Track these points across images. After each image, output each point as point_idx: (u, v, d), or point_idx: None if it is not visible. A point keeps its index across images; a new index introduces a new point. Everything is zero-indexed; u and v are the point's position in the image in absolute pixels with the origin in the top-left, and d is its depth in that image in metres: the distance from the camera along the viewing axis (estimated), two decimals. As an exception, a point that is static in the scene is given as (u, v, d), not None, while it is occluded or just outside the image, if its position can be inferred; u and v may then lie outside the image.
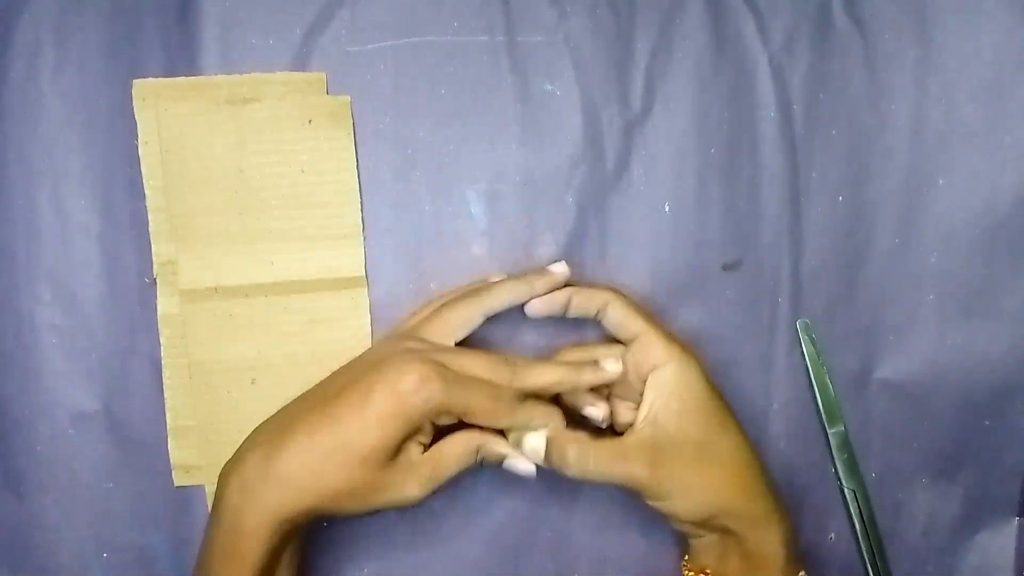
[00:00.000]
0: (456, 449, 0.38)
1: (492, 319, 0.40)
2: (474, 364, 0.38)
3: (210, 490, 0.43)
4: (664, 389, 0.39)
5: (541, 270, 0.41)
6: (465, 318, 0.39)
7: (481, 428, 0.38)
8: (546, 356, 0.43)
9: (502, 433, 0.39)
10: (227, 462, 0.37)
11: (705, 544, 0.40)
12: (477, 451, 0.38)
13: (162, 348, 0.42)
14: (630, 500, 0.44)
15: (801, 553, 0.40)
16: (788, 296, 0.44)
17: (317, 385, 0.39)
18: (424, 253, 0.43)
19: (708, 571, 0.40)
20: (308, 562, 0.42)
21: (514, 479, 0.44)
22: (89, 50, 0.41)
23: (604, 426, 0.41)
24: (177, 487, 0.43)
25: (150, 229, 0.42)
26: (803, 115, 0.44)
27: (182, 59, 0.42)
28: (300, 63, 0.42)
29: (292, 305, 0.42)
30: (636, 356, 0.40)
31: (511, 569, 0.45)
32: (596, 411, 0.40)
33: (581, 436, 0.38)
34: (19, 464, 0.43)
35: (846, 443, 0.45)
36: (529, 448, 0.38)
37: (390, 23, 0.42)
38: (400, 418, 0.36)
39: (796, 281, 0.44)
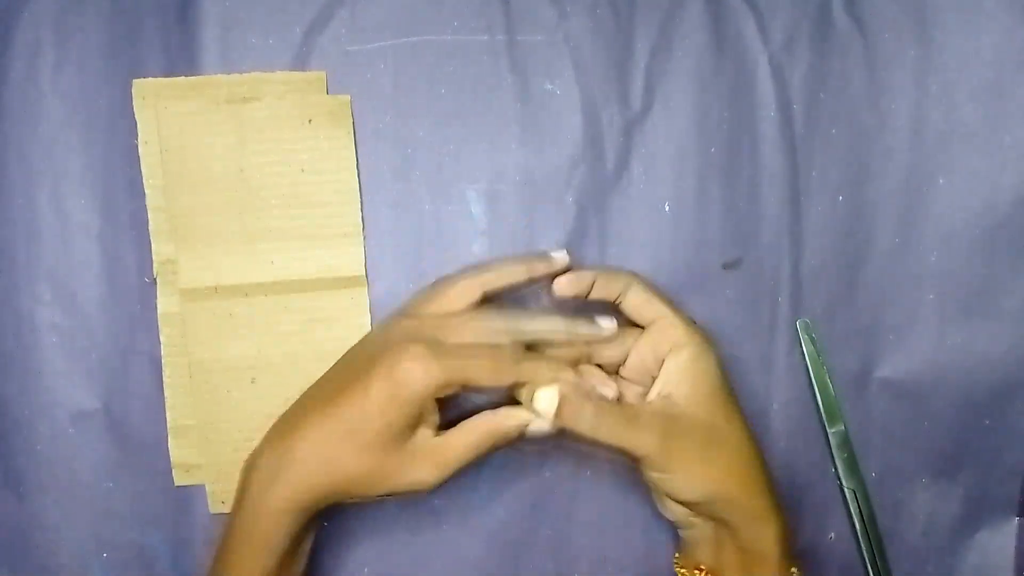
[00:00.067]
0: (469, 437, 0.38)
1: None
2: (466, 328, 0.38)
3: (210, 489, 0.43)
4: (680, 370, 0.39)
5: (541, 254, 0.41)
6: (462, 289, 0.39)
7: (494, 409, 0.38)
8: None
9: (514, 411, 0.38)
10: (248, 456, 0.38)
11: (698, 537, 0.40)
12: (491, 436, 0.38)
13: (162, 347, 0.42)
14: (630, 500, 0.44)
15: (797, 551, 0.40)
16: (788, 296, 0.44)
17: (322, 377, 0.40)
18: (424, 253, 0.43)
19: (702, 567, 0.40)
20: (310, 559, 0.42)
21: (515, 477, 0.44)
22: (89, 50, 0.41)
23: None
24: (177, 486, 0.43)
25: (150, 229, 0.42)
26: (803, 115, 0.44)
27: (182, 59, 0.42)
28: (300, 62, 0.42)
29: (292, 304, 0.42)
30: (655, 338, 0.40)
31: (511, 568, 0.45)
32: (607, 391, 0.40)
33: (595, 396, 0.38)
34: (19, 464, 0.43)
35: (846, 443, 0.45)
36: (541, 404, 0.37)
37: (390, 22, 0.42)
38: (402, 404, 0.36)
39: (796, 281, 0.44)
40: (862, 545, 0.45)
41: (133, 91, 0.41)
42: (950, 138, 0.44)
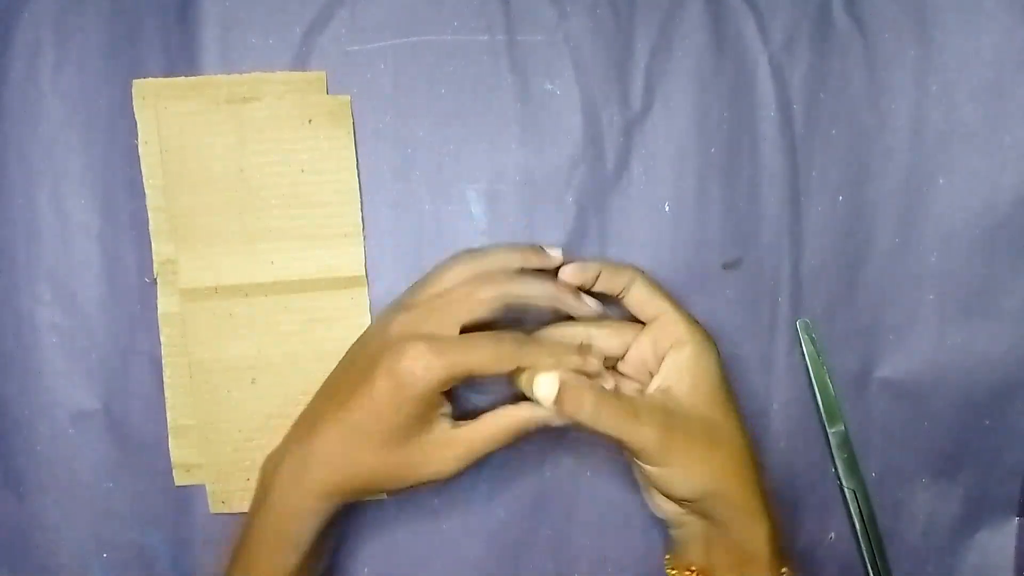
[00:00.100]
0: (489, 429, 0.38)
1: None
2: (458, 303, 0.38)
3: (210, 489, 0.43)
4: (681, 367, 0.39)
5: (536, 247, 0.41)
6: (456, 273, 0.40)
7: (514, 402, 0.38)
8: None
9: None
10: (267, 457, 0.39)
11: (688, 536, 0.40)
12: (510, 428, 0.38)
13: (162, 347, 0.42)
14: (630, 500, 0.44)
15: (796, 551, 0.40)
16: (788, 296, 0.44)
17: (330, 377, 0.40)
18: (424, 253, 0.43)
19: (693, 568, 0.40)
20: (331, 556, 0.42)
21: (515, 477, 0.44)
22: (89, 50, 0.41)
23: None
24: (177, 486, 0.43)
25: (150, 229, 0.42)
26: (803, 115, 0.44)
27: (182, 59, 0.42)
28: (300, 62, 0.42)
29: (292, 304, 0.42)
30: (656, 334, 0.40)
31: (511, 568, 0.45)
32: (605, 384, 0.40)
33: (596, 385, 0.38)
34: (19, 464, 0.43)
35: (846, 443, 0.45)
36: (541, 389, 0.37)
37: (390, 23, 0.42)
38: (407, 403, 0.36)
39: (796, 281, 0.44)
40: (862, 545, 0.45)
41: (133, 91, 0.41)
42: (950, 138, 0.44)
